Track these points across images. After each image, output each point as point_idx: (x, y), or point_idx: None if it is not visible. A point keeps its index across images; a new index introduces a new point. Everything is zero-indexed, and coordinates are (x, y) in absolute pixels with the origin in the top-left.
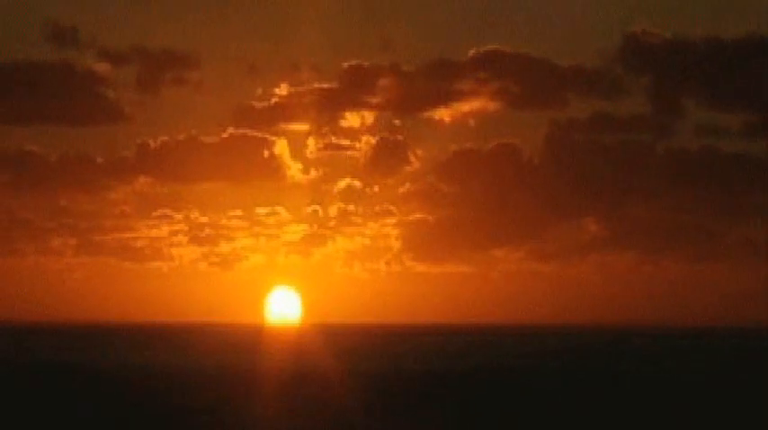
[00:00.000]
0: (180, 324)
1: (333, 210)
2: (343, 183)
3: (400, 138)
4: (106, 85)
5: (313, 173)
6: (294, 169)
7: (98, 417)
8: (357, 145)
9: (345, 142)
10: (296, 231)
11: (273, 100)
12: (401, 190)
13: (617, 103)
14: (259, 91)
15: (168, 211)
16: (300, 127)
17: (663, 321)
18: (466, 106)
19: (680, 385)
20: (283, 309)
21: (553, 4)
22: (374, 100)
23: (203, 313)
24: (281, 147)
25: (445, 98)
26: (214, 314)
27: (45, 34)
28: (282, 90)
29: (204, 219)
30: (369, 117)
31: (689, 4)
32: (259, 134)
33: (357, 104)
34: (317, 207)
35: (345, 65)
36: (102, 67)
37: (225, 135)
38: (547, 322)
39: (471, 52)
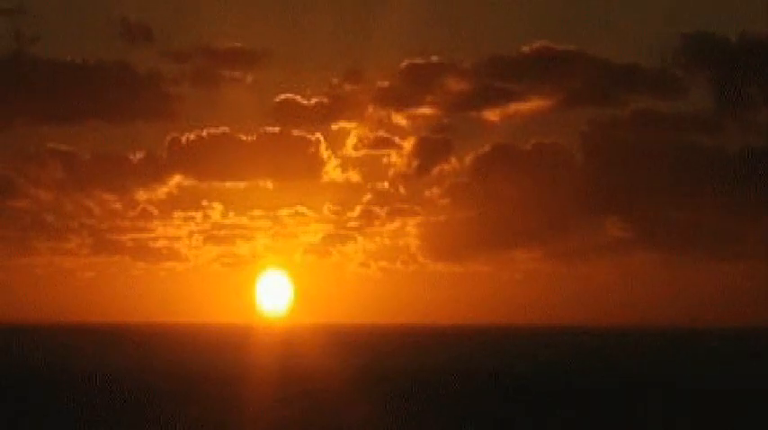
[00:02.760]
0: (184, 325)
1: (357, 210)
2: (373, 184)
3: (441, 137)
4: (166, 83)
5: (349, 172)
6: (329, 169)
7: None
8: (402, 144)
9: (386, 142)
10: (317, 231)
11: (320, 98)
12: (430, 191)
13: (664, 102)
14: (308, 90)
15: (192, 211)
16: (343, 126)
17: (685, 322)
18: (517, 105)
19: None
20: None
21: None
22: (423, 99)
23: (208, 314)
24: (319, 146)
25: (495, 96)
26: (217, 315)
27: (117, 32)
28: (331, 89)
29: (226, 220)
30: (416, 117)
31: (750, 3)
32: (297, 132)
33: (407, 104)
34: (340, 207)
35: (401, 64)
36: (163, 66)
37: (259, 133)
38: (566, 323)
39: (523, 50)
